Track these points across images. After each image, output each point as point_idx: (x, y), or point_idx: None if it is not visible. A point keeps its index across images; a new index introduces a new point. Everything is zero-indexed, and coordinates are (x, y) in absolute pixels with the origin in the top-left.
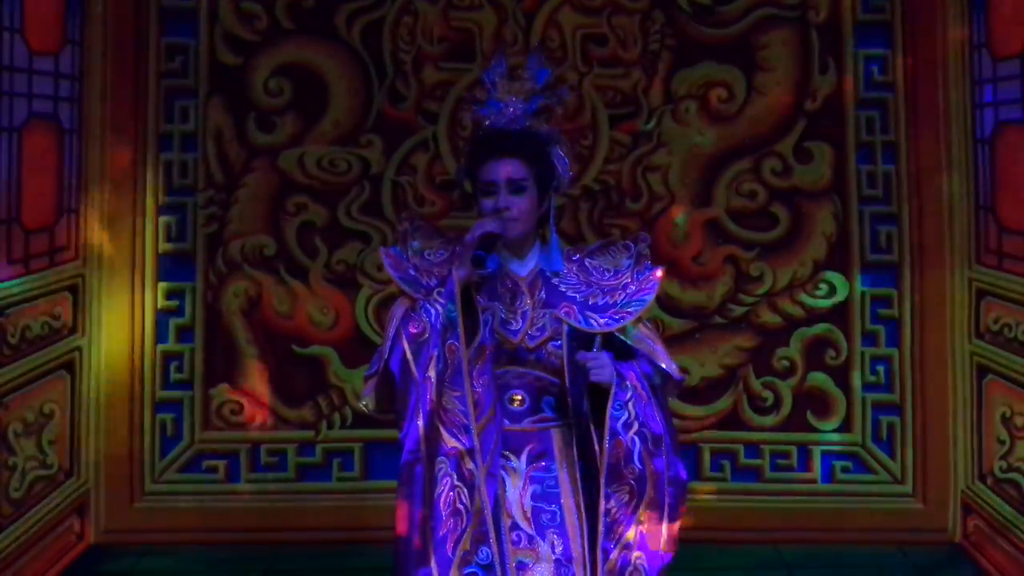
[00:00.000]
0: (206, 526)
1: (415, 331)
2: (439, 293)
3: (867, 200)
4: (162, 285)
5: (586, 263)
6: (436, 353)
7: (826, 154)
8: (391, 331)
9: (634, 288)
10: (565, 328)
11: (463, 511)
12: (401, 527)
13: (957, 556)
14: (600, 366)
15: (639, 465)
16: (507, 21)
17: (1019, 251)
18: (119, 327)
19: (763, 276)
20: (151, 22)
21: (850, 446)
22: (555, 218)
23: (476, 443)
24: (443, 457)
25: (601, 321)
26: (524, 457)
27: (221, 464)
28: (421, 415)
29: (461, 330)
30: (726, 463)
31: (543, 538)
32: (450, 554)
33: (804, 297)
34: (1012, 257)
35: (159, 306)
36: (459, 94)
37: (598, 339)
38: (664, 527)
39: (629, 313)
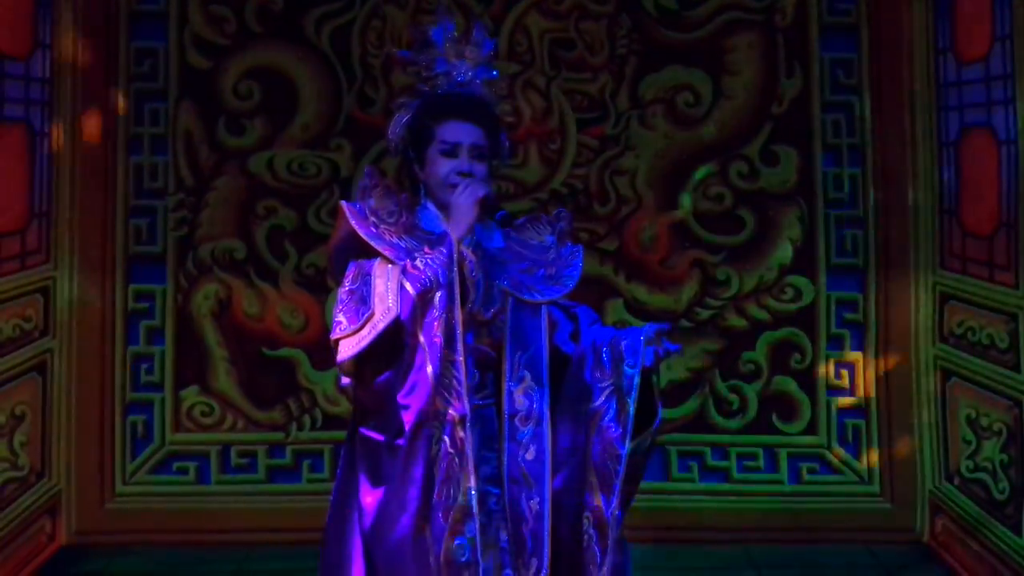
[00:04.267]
0: (177, 527)
1: (425, 287)
2: (440, 252)
3: (833, 203)
4: (132, 288)
5: (512, 236)
6: (443, 314)
7: (792, 157)
8: (385, 285)
9: (561, 263)
10: (510, 300)
11: (454, 479)
12: (405, 495)
13: (925, 556)
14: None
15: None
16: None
17: (983, 255)
18: (89, 329)
19: (729, 280)
20: (121, 26)
21: (815, 448)
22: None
23: (468, 410)
24: (436, 422)
25: (545, 293)
26: (476, 438)
27: (192, 466)
28: (433, 376)
29: (458, 293)
30: (694, 464)
31: (490, 525)
32: (443, 523)
33: (770, 301)
34: (976, 261)
35: (129, 308)
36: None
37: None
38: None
39: (564, 286)
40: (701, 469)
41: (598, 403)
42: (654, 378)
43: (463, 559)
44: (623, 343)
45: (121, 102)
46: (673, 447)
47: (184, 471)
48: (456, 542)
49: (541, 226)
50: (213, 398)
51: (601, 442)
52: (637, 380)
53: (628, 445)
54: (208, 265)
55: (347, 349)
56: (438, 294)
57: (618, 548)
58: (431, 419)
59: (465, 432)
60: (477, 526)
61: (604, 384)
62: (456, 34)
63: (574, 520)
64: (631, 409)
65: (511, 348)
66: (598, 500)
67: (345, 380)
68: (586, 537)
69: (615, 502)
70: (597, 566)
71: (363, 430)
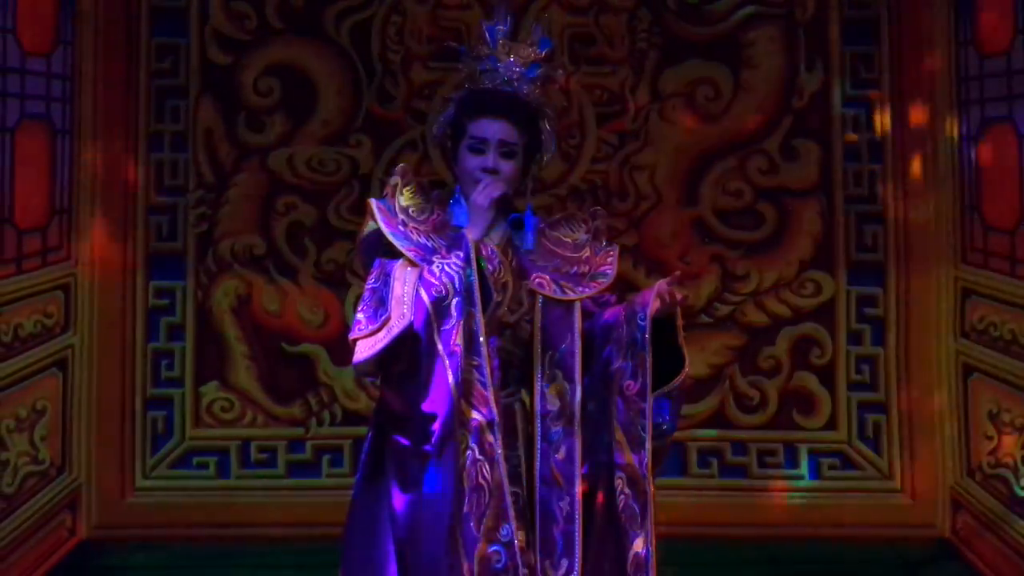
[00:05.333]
0: (197, 521)
1: (439, 295)
2: (457, 256)
3: (853, 199)
4: (153, 284)
5: (547, 233)
6: (461, 320)
7: (812, 152)
8: (403, 289)
9: (596, 261)
10: (539, 300)
11: (485, 486)
12: (438, 506)
13: (946, 552)
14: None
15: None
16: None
17: (1004, 250)
18: (110, 326)
19: (749, 275)
20: (142, 22)
21: (836, 443)
22: (531, 192)
23: (496, 414)
24: (463, 430)
25: (577, 290)
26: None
27: (212, 460)
28: (454, 385)
29: (478, 296)
30: (713, 460)
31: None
32: (476, 532)
33: (790, 296)
34: (997, 256)
35: (150, 305)
36: (447, 94)
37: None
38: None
39: (598, 284)
40: (720, 465)
41: (616, 365)
42: (679, 334)
43: (499, 565)
44: (635, 300)
45: (142, 98)
46: (692, 443)
47: (204, 466)
48: (491, 548)
49: (576, 224)
50: (233, 394)
51: (624, 401)
52: (648, 331)
53: (650, 399)
54: (228, 262)
55: (363, 351)
56: (454, 301)
57: (654, 502)
58: (457, 428)
59: (495, 437)
60: (513, 529)
61: (620, 346)
62: (510, 31)
63: (607, 485)
64: (647, 362)
65: (542, 348)
66: (629, 458)
67: (371, 377)
68: (622, 497)
69: (646, 456)
70: (639, 523)
71: (392, 435)
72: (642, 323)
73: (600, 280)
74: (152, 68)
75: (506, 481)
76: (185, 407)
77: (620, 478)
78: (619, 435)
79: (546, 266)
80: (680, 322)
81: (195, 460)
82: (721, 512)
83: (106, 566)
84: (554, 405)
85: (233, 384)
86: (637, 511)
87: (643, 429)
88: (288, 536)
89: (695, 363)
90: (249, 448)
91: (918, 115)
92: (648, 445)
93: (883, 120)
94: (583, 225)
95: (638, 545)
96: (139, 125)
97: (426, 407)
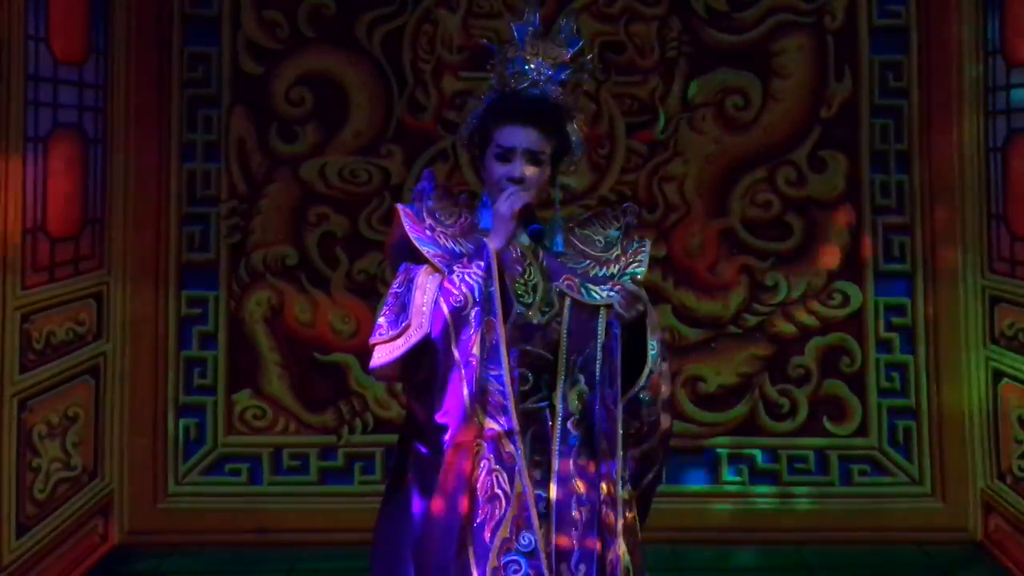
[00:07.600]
0: (228, 527)
1: (458, 305)
2: (478, 266)
3: (880, 210)
4: (185, 294)
5: (576, 232)
6: (480, 330)
7: (840, 163)
8: (423, 298)
9: (625, 260)
10: (568, 302)
11: (502, 496)
12: (446, 516)
13: (979, 555)
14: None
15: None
16: None
17: None
18: (143, 334)
19: (777, 286)
20: (174, 31)
21: (866, 450)
22: (559, 195)
23: (515, 424)
24: (479, 440)
25: (603, 293)
26: (528, 440)
27: (244, 467)
28: (468, 396)
29: (499, 306)
30: (744, 467)
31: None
32: (488, 541)
33: (818, 307)
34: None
35: (182, 314)
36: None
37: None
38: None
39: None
40: (751, 472)
41: (599, 374)
42: (647, 336)
43: (517, 575)
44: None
45: (175, 108)
46: (723, 450)
47: (236, 472)
48: (506, 558)
49: (606, 221)
50: (265, 401)
51: (604, 408)
52: (618, 338)
53: (620, 403)
54: (260, 272)
55: (380, 357)
56: (473, 311)
57: (627, 507)
58: (471, 438)
59: (514, 447)
60: (536, 539)
61: (601, 354)
62: (539, 31)
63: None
64: (617, 366)
65: (567, 351)
66: (608, 467)
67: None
68: (603, 506)
69: (618, 463)
70: (613, 530)
71: (415, 443)
72: (615, 331)
73: (629, 279)
74: (184, 77)
75: (529, 489)
76: (218, 414)
77: (602, 488)
78: (604, 444)
79: (575, 267)
80: (650, 323)
81: (227, 467)
82: (752, 518)
83: (138, 572)
84: (575, 409)
85: (265, 392)
86: (614, 517)
87: (615, 435)
88: (319, 542)
89: (724, 372)
90: (281, 455)
91: (945, 125)
92: (619, 450)
93: (910, 130)
94: (614, 222)
95: (613, 551)
96: (171, 135)
97: (439, 418)
